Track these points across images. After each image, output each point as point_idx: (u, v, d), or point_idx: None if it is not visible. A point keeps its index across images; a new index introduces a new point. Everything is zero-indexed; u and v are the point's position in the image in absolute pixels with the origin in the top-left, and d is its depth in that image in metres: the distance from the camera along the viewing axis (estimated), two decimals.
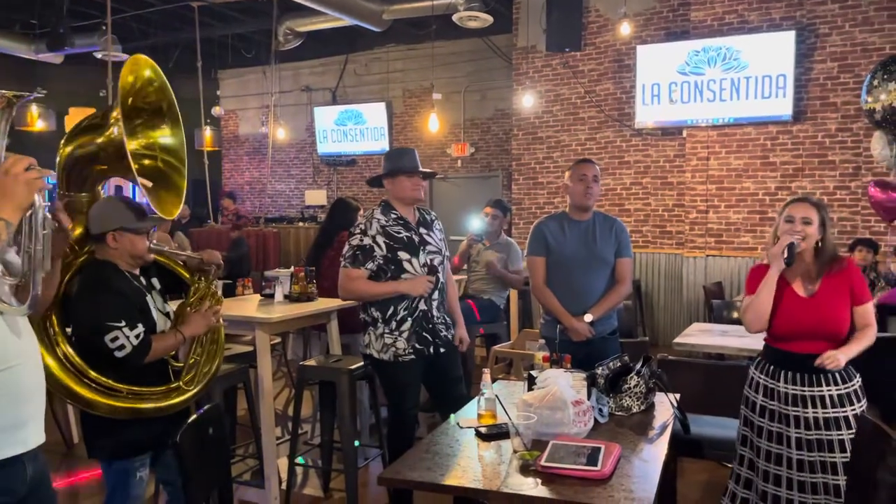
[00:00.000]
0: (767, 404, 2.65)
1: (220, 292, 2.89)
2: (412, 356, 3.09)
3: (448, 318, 3.26)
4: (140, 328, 2.40)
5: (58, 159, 2.60)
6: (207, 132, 10.65)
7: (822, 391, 2.54)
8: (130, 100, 2.61)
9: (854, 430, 2.47)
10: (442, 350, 3.18)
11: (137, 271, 2.60)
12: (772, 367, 2.66)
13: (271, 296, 4.21)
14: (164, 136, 2.78)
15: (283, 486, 3.63)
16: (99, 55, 9.53)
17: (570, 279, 3.34)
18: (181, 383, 2.57)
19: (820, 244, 2.61)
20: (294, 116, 11.89)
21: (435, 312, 3.16)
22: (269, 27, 9.57)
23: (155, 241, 2.66)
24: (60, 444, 4.47)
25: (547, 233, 3.40)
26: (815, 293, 2.59)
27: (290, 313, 3.83)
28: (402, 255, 3.07)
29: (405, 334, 3.08)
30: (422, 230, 3.17)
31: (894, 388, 3.52)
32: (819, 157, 6.80)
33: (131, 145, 2.58)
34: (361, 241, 3.08)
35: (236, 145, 12.99)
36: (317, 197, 11.70)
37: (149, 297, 2.58)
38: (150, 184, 2.69)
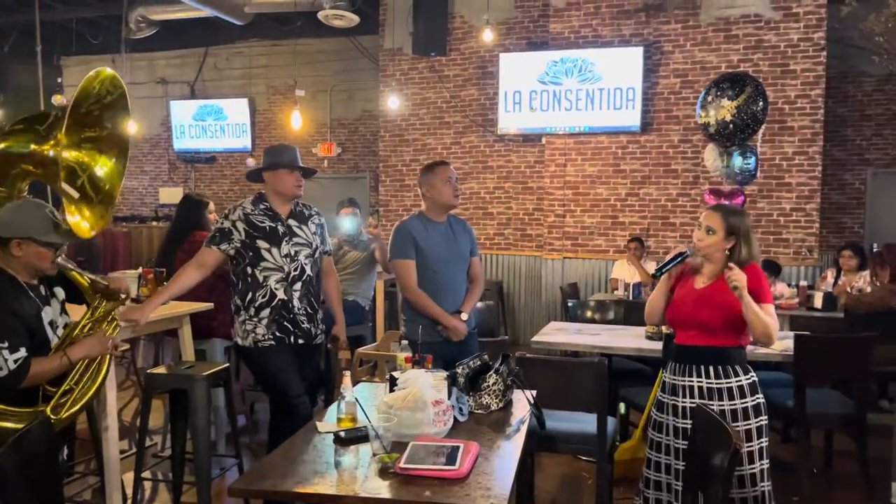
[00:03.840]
0: (659, 396, 2.82)
1: (118, 319, 2.76)
2: (272, 342, 3.14)
3: (312, 311, 3.25)
4: (21, 352, 2.28)
5: None
6: None
7: (691, 381, 2.68)
8: (83, 108, 2.57)
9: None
10: (301, 342, 3.20)
11: (36, 281, 2.46)
12: (668, 361, 2.82)
13: None
14: (104, 163, 2.77)
15: (129, 502, 3.39)
16: None
17: (438, 278, 3.40)
18: (47, 409, 2.39)
19: (732, 253, 2.65)
20: (148, 110, 11.20)
21: (296, 303, 3.17)
22: (118, 13, 8.94)
23: (63, 258, 2.50)
24: None
25: (414, 233, 3.39)
26: (704, 287, 2.70)
27: None
28: (261, 243, 3.13)
29: (264, 321, 3.13)
30: (291, 222, 3.21)
31: None
32: (664, 165, 7.30)
33: (69, 154, 2.51)
34: (222, 224, 3.18)
35: None
36: (172, 195, 11.07)
37: (44, 311, 2.44)
38: (76, 195, 2.59)
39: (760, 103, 4.58)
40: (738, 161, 4.69)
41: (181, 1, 8.24)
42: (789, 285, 5.84)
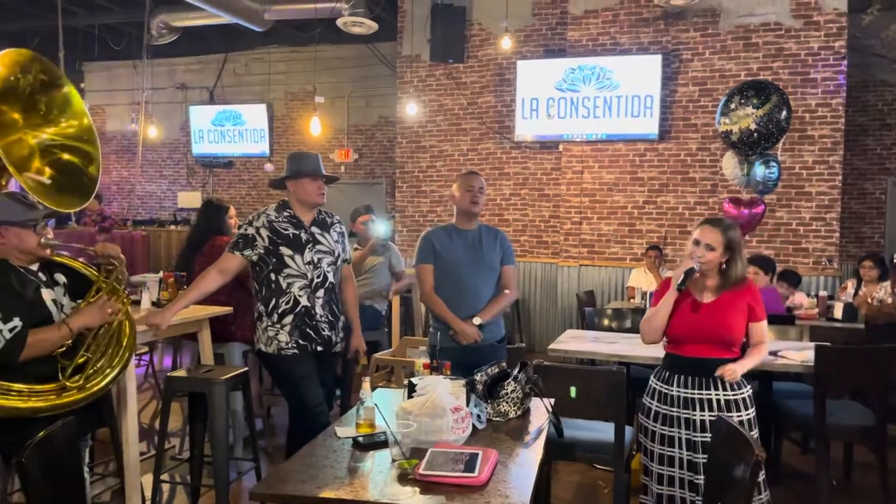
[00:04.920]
0: (662, 409, 2.77)
1: (126, 292, 2.72)
2: (295, 350, 3.16)
3: (333, 318, 3.28)
4: (16, 322, 2.24)
5: None
6: None
7: (710, 395, 2.69)
8: (17, 97, 2.54)
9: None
10: (320, 349, 3.22)
11: (35, 267, 2.45)
12: (667, 373, 2.79)
13: (137, 302, 3.96)
14: (68, 127, 2.72)
15: None
16: None
17: (458, 284, 3.41)
18: (66, 382, 2.38)
19: (724, 266, 2.71)
20: (168, 115, 11.32)
21: (318, 310, 3.20)
22: (140, 19, 9.06)
23: (49, 236, 2.48)
24: None
25: (434, 241, 3.48)
26: (713, 301, 2.72)
27: None
28: (285, 250, 3.16)
29: (287, 328, 3.16)
30: (315, 229, 3.25)
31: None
32: (682, 174, 7.28)
33: (32, 140, 2.49)
34: (246, 230, 3.21)
35: (103, 143, 12.01)
36: (191, 199, 11.19)
37: (45, 291, 2.42)
38: (47, 181, 2.57)
39: (784, 112, 4.56)
40: (760, 170, 4.66)
41: (202, 8, 8.33)
42: (809, 295, 5.79)
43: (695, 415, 2.69)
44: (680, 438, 2.71)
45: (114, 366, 2.58)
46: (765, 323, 2.78)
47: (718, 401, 2.67)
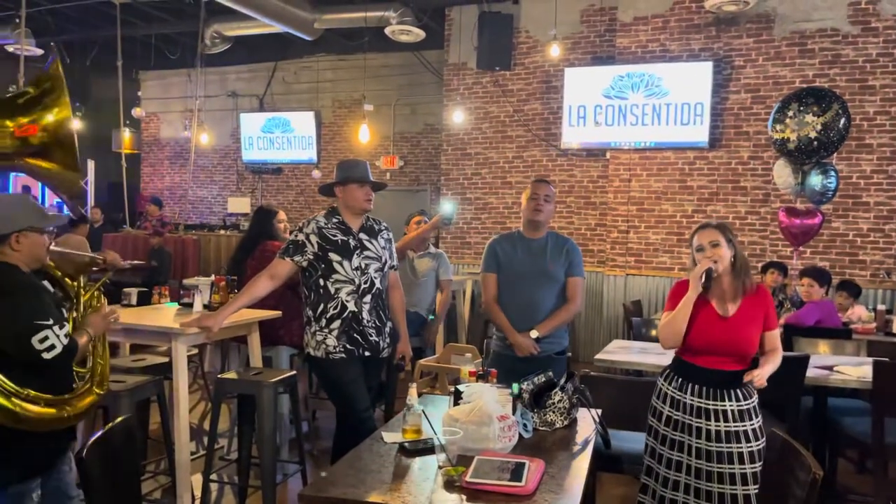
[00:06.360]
0: (673, 415, 2.74)
1: (102, 299, 2.67)
2: (343, 355, 3.18)
3: (380, 324, 3.29)
4: (67, 327, 2.23)
5: None
6: (126, 134, 10.26)
7: (724, 405, 2.65)
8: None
9: (751, 443, 2.61)
10: (367, 354, 3.23)
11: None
12: (680, 380, 2.75)
13: (190, 305, 4.06)
14: (48, 111, 2.66)
15: (197, 503, 3.49)
16: (10, 49, 9.06)
17: (519, 295, 3.40)
18: (93, 386, 2.39)
19: (734, 260, 2.71)
20: (219, 122, 11.59)
21: (365, 316, 3.21)
22: (195, 29, 9.31)
23: (55, 244, 2.48)
24: None
25: (498, 250, 3.48)
26: (733, 314, 2.69)
27: None
28: (333, 256, 3.19)
29: (335, 332, 3.18)
30: (363, 236, 3.28)
31: (799, 405, 3.69)
32: (732, 182, 7.13)
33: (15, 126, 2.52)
34: (296, 236, 3.24)
35: (157, 149, 12.56)
36: (240, 204, 11.43)
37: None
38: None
39: (843, 120, 4.43)
40: (817, 179, 4.52)
41: (255, 17, 8.51)
42: (867, 309, 5.61)
43: (709, 424, 2.66)
44: (690, 446, 2.69)
45: (107, 371, 2.57)
46: (778, 331, 2.79)
47: (732, 411, 2.65)
